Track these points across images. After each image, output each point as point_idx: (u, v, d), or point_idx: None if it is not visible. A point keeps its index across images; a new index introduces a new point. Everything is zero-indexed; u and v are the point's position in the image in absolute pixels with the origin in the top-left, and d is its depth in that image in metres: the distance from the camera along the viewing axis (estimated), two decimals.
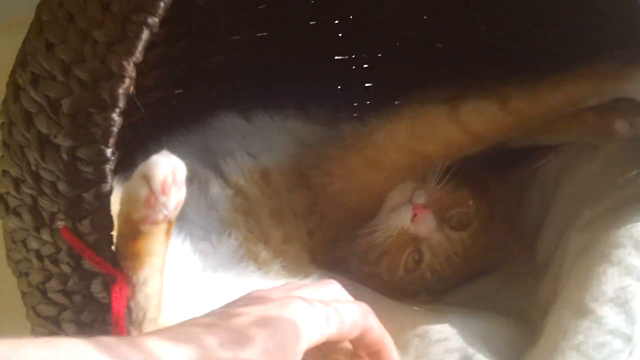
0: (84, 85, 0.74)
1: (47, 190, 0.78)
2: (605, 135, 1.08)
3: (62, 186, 0.76)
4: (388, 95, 1.39)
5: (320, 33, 1.49)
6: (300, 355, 0.67)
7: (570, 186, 1.13)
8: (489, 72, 1.28)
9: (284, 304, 0.69)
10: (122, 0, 0.73)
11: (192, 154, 1.18)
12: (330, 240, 1.20)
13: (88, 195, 0.74)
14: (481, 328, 1.00)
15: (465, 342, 0.94)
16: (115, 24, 0.72)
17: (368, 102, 1.56)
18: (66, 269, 0.80)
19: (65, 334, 0.82)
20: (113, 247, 0.75)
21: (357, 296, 1.06)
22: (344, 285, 0.99)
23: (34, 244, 0.83)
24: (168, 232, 0.77)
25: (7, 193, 0.85)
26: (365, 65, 1.55)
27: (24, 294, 0.89)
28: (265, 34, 1.44)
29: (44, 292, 0.84)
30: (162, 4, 0.71)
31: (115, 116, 0.71)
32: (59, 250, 0.80)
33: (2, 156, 0.86)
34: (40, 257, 0.83)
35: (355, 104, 1.57)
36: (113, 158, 0.73)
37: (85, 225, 0.75)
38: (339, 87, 1.57)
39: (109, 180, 0.73)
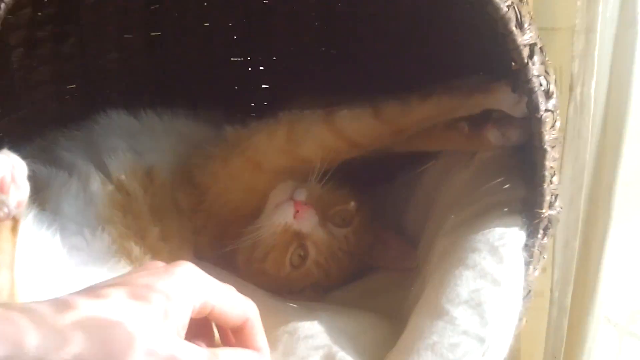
0: None
1: None
2: (479, 143, 1.11)
3: None
4: (285, 96, 1.41)
5: (214, 35, 1.51)
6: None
7: (447, 191, 1.17)
8: (372, 81, 1.31)
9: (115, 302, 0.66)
10: None
11: (76, 149, 1.18)
12: (217, 237, 1.21)
13: None
14: (351, 326, 1.02)
15: (330, 340, 0.96)
16: None
17: (265, 103, 1.57)
18: None
19: None
20: None
21: (239, 289, 1.08)
22: (224, 281, 1.02)
23: None
24: (14, 230, 0.77)
25: None
26: (261, 67, 1.57)
27: None
28: (159, 33, 1.44)
29: None
30: None
31: None
32: None
33: None
34: None
35: (253, 105, 1.59)
36: None
37: None
38: (236, 87, 1.58)
39: None
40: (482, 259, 0.91)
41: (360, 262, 1.23)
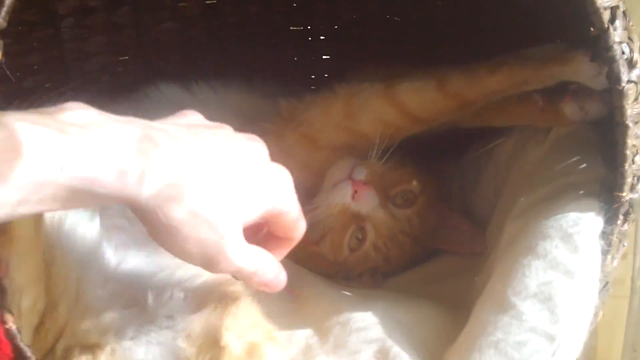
0: None
1: None
2: (554, 119, 1.03)
3: None
4: (347, 68, 1.34)
5: (273, 3, 1.45)
6: None
7: (518, 171, 1.09)
8: (438, 52, 1.24)
9: None
10: None
11: None
12: None
13: None
14: (409, 317, 0.96)
15: (385, 333, 0.90)
16: None
17: (326, 75, 1.50)
18: None
19: None
20: None
21: (291, 274, 1.03)
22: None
23: None
24: None
25: None
26: (322, 37, 1.51)
27: None
28: (215, 1, 1.40)
29: None
30: None
31: None
32: None
33: None
34: None
35: (312, 77, 1.53)
36: None
37: None
38: (295, 58, 1.52)
39: None
40: (553, 247, 0.83)
41: (423, 246, 1.16)
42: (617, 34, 0.79)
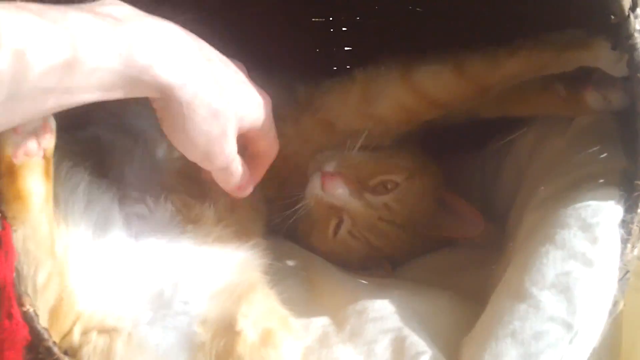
0: None
1: None
2: (577, 108, 1.02)
3: None
4: (369, 59, 1.33)
5: None
6: None
7: (539, 161, 1.08)
8: (457, 42, 1.23)
9: None
10: None
11: (145, 114, 1.13)
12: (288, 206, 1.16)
13: None
14: (426, 307, 0.96)
15: (402, 322, 0.90)
16: None
17: (348, 67, 1.49)
18: None
19: None
20: None
21: (308, 264, 1.04)
22: (296, 252, 1.10)
23: None
24: (47, 172, 0.76)
25: None
26: (344, 28, 1.50)
27: None
28: None
29: None
30: None
31: None
32: None
33: None
34: None
35: (335, 68, 1.52)
36: None
37: None
38: (317, 50, 1.53)
39: None
40: (572, 236, 0.82)
41: (415, 233, 1.15)
42: (638, 22, 0.79)
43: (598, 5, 0.84)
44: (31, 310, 0.72)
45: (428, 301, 0.97)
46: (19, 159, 0.72)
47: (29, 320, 0.71)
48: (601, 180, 0.87)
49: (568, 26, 1.01)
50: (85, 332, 0.79)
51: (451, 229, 1.14)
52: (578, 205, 0.85)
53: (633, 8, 0.78)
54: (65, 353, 0.77)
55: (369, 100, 1.11)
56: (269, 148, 0.90)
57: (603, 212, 0.83)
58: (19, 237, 0.72)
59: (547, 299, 0.79)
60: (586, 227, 0.82)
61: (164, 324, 0.81)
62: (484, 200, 1.26)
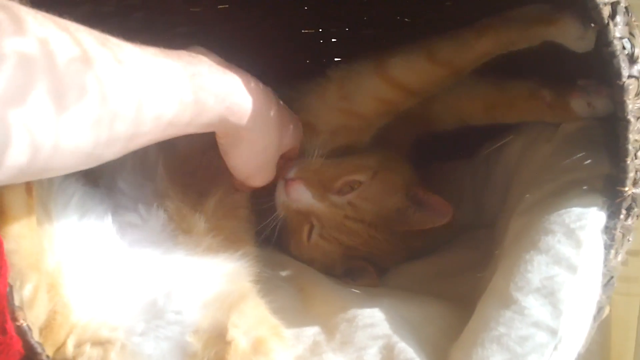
0: None
1: None
2: (562, 114, 1.04)
3: None
4: None
5: (284, 6, 1.45)
6: None
7: (526, 168, 1.09)
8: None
9: None
10: None
11: None
12: None
13: None
14: (415, 315, 0.97)
15: (391, 329, 0.91)
16: None
17: None
18: None
19: None
20: None
21: (299, 273, 1.04)
22: (286, 262, 1.11)
23: None
24: (28, 188, 0.76)
25: None
26: (333, 40, 1.52)
27: None
28: (227, 6, 1.40)
29: None
30: None
31: None
32: None
33: None
34: None
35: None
36: None
37: None
38: (307, 61, 1.53)
39: None
40: (556, 242, 0.83)
41: (389, 232, 1.16)
42: (617, 30, 0.80)
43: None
44: (25, 324, 0.72)
45: (417, 309, 0.98)
46: None
47: (22, 334, 0.71)
48: (585, 187, 0.89)
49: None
50: (78, 345, 0.80)
51: (421, 221, 1.14)
52: (562, 211, 0.86)
53: (613, 16, 0.79)
54: None
55: (347, 97, 1.14)
56: (296, 152, 1.10)
57: (586, 218, 0.84)
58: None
59: (531, 304, 0.80)
60: (570, 233, 0.83)
61: (156, 334, 0.82)
62: (474, 207, 1.27)
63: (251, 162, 0.99)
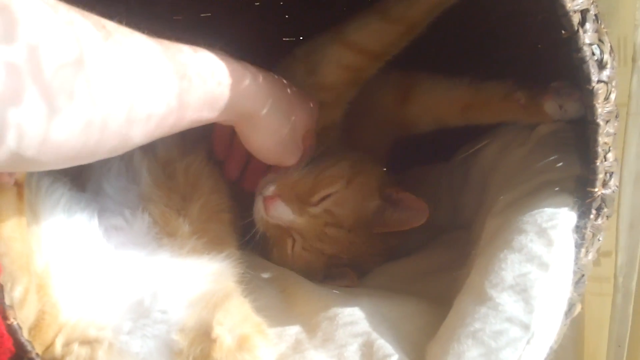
0: None
1: None
2: (536, 115, 1.06)
3: None
4: None
5: (265, 14, 1.48)
6: None
7: (502, 170, 1.12)
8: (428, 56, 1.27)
9: None
10: None
11: None
12: None
13: None
14: (394, 313, 0.99)
15: (370, 327, 0.93)
16: None
17: None
18: None
19: None
20: None
21: (278, 276, 1.06)
22: (268, 265, 1.12)
23: None
24: (20, 195, 0.78)
25: None
26: None
27: None
28: (209, 14, 1.41)
29: None
30: None
31: None
32: None
33: None
34: None
35: None
36: None
37: None
38: None
39: None
40: (529, 241, 0.86)
41: (368, 234, 1.18)
42: (587, 36, 0.83)
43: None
44: (15, 322, 0.74)
45: (396, 307, 1.00)
46: None
47: (13, 333, 0.73)
48: (557, 188, 0.92)
49: None
50: (67, 344, 0.82)
51: (399, 222, 1.16)
52: (535, 211, 0.89)
53: (582, 23, 0.82)
54: None
55: (313, 71, 1.16)
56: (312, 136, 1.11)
57: (558, 218, 0.87)
58: None
59: (505, 300, 0.83)
60: (542, 233, 0.86)
61: (143, 333, 0.84)
62: (452, 209, 1.30)
63: (270, 144, 1.03)
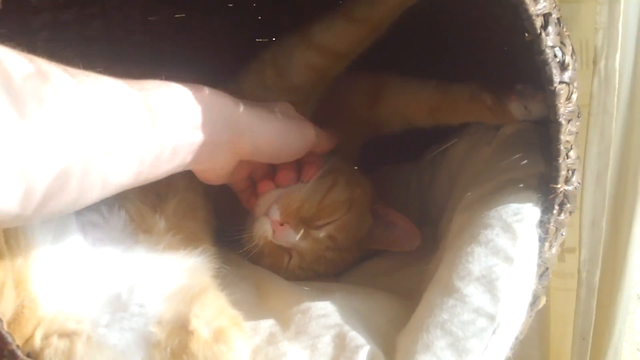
0: None
1: None
2: (502, 116, 1.10)
3: None
4: None
5: (239, 16, 1.50)
6: None
7: (468, 169, 1.16)
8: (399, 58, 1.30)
9: None
10: None
11: None
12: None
13: None
14: (365, 306, 1.02)
15: (342, 319, 0.95)
16: None
17: None
18: None
19: None
20: None
21: (251, 273, 1.08)
22: (243, 262, 1.12)
23: None
24: None
25: None
26: None
27: None
28: (184, 15, 1.43)
29: None
30: None
31: None
32: None
33: None
34: None
35: None
36: None
37: None
38: None
39: None
40: (494, 235, 0.89)
41: (361, 250, 1.22)
42: (549, 39, 0.86)
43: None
44: None
45: (367, 300, 1.03)
46: None
47: None
48: (521, 185, 0.95)
49: None
50: (46, 337, 0.83)
51: (390, 241, 1.20)
52: (500, 207, 0.92)
53: (545, 26, 0.85)
54: (28, 356, 0.80)
55: (282, 74, 1.20)
56: (320, 151, 1.13)
57: (522, 213, 0.91)
58: None
59: (472, 292, 0.86)
60: (507, 227, 0.89)
61: (121, 326, 0.85)
62: (420, 207, 1.34)
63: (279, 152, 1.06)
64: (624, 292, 1.26)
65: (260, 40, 1.55)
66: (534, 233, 0.90)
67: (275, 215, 1.13)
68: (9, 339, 0.76)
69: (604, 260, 1.24)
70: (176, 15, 1.46)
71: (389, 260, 1.21)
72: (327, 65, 1.20)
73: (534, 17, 0.85)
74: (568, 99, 0.89)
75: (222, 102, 0.95)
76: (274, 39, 1.51)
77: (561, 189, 0.91)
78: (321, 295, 1.02)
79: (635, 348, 1.65)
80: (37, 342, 0.83)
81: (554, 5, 0.87)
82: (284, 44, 1.23)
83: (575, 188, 0.93)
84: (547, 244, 0.91)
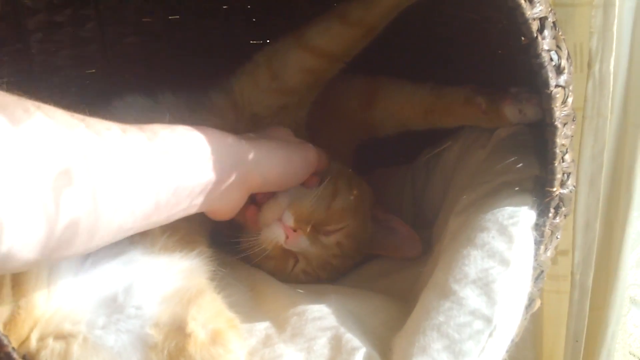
0: None
1: None
2: (496, 119, 1.11)
3: None
4: None
5: (233, 17, 1.50)
6: None
7: (463, 172, 1.16)
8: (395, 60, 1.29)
9: None
10: None
11: None
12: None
13: None
14: (361, 308, 1.02)
15: (338, 322, 0.95)
16: None
17: None
18: None
19: None
20: None
21: (247, 275, 1.08)
22: (238, 265, 1.11)
23: None
24: None
25: None
26: None
27: None
28: (178, 17, 1.43)
29: None
30: None
31: None
32: None
33: None
34: None
35: None
36: None
37: None
38: None
39: None
40: (490, 238, 0.90)
41: (362, 255, 1.22)
42: (545, 43, 0.86)
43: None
44: None
45: (362, 303, 1.03)
46: None
47: None
48: (517, 188, 0.95)
49: None
50: (42, 338, 0.83)
51: (390, 249, 1.21)
52: (496, 210, 0.92)
53: (541, 30, 0.85)
54: (24, 358, 0.81)
55: (277, 77, 1.19)
56: (321, 169, 1.14)
57: (518, 216, 0.91)
58: None
59: (468, 295, 0.86)
60: (503, 230, 0.90)
61: (117, 328, 0.85)
62: (414, 210, 1.34)
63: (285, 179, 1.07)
64: (617, 294, 1.27)
65: (254, 42, 1.55)
66: (530, 236, 0.90)
67: (290, 221, 1.12)
68: (5, 341, 0.76)
69: (597, 263, 1.25)
70: (170, 17, 1.45)
71: (385, 263, 1.21)
72: (322, 68, 1.20)
73: (530, 21, 0.85)
74: (564, 102, 0.89)
75: (227, 142, 0.95)
76: (268, 41, 1.53)
77: (557, 192, 0.91)
78: (317, 298, 1.03)
79: (628, 351, 1.65)
80: (33, 343, 0.83)
81: (549, 9, 0.88)
82: (278, 46, 1.22)
83: (571, 191, 0.94)
84: (542, 247, 0.92)
